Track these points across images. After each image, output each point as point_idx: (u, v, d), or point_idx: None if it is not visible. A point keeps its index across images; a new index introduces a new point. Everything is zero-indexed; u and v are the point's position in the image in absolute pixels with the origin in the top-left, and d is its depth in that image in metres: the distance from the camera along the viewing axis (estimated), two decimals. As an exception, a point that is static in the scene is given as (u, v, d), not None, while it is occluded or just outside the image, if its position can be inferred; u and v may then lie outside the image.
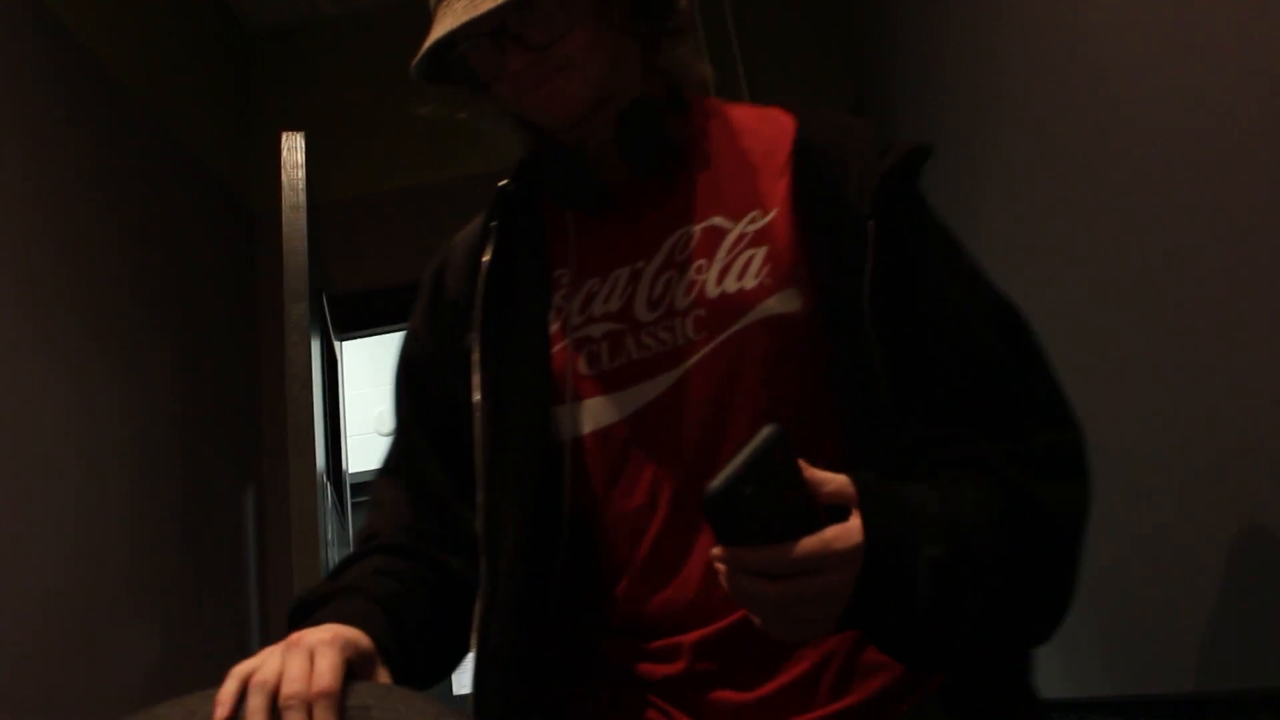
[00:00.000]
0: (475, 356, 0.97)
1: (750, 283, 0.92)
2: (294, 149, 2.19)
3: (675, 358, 0.93)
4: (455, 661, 1.00)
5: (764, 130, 1.00)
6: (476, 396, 0.96)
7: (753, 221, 0.94)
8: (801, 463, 0.73)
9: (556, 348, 0.96)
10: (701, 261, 0.94)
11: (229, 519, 2.68)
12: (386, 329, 3.18)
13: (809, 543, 0.71)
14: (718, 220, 0.95)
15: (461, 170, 3.05)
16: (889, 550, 0.74)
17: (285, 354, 2.12)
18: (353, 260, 2.98)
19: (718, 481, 0.68)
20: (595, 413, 0.95)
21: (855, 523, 0.74)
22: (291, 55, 3.25)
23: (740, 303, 0.91)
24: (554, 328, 0.97)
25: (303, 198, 2.17)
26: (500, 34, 0.91)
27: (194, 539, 2.46)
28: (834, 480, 0.75)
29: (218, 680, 0.72)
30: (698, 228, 0.96)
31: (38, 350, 1.95)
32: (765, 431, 0.69)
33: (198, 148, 2.77)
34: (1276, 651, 1.03)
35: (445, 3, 0.91)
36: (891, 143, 0.93)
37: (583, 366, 0.95)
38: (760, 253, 0.93)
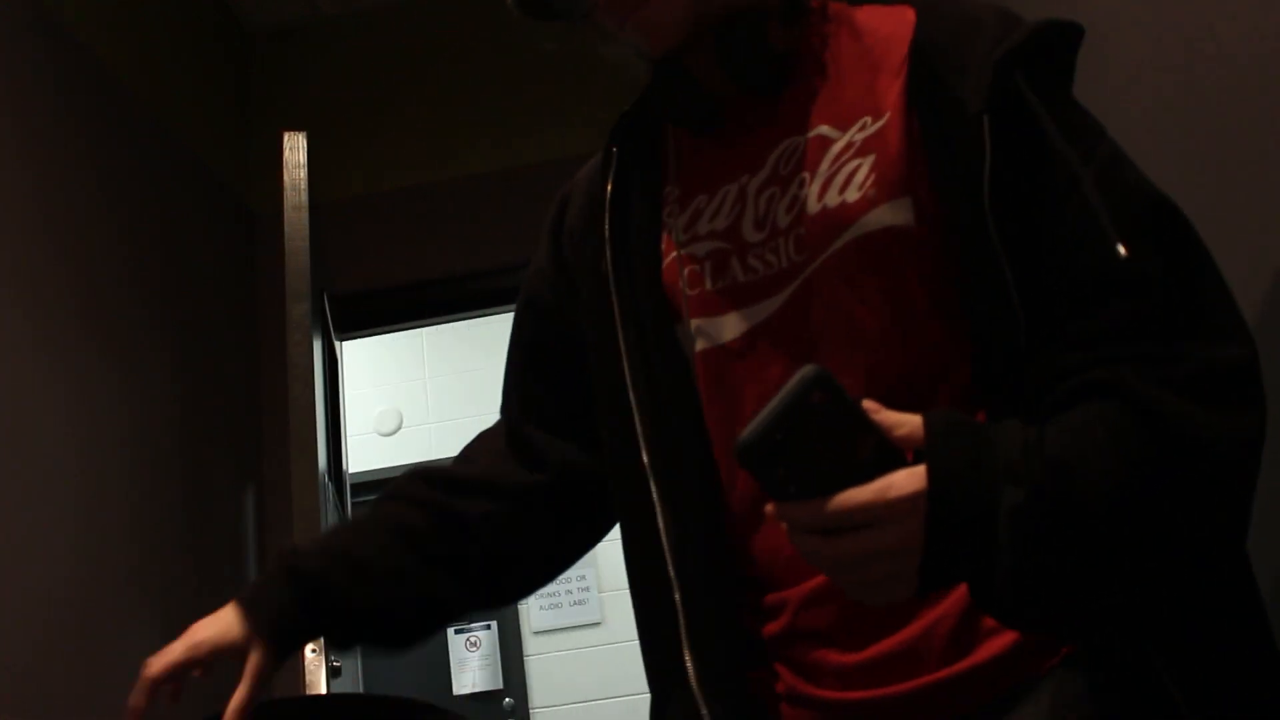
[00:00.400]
0: (611, 285, 0.94)
1: (853, 195, 0.84)
2: (296, 149, 2.20)
3: (779, 281, 0.86)
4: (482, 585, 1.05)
5: (883, 28, 0.90)
6: (620, 330, 0.93)
7: (862, 129, 0.86)
8: (870, 404, 0.67)
9: (665, 264, 0.93)
10: (805, 175, 0.87)
11: (229, 519, 2.68)
12: (387, 329, 3.18)
13: (857, 493, 0.64)
14: (825, 129, 0.88)
15: (461, 170, 3.05)
16: (961, 496, 0.65)
17: (287, 353, 2.13)
18: (353, 260, 2.98)
19: (747, 431, 0.63)
20: (699, 335, 0.90)
21: (920, 468, 0.66)
22: (291, 55, 3.25)
23: (841, 218, 0.84)
24: (663, 246, 0.94)
25: (304, 197, 2.17)
26: None
27: (194, 539, 2.46)
28: (907, 422, 0.67)
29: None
30: (804, 138, 0.88)
31: (38, 350, 1.95)
32: (801, 372, 0.63)
33: (198, 148, 2.77)
34: (1277, 651, 1.02)
35: None
36: (1018, 25, 0.83)
37: (685, 286, 0.91)
38: (866, 162, 0.84)
